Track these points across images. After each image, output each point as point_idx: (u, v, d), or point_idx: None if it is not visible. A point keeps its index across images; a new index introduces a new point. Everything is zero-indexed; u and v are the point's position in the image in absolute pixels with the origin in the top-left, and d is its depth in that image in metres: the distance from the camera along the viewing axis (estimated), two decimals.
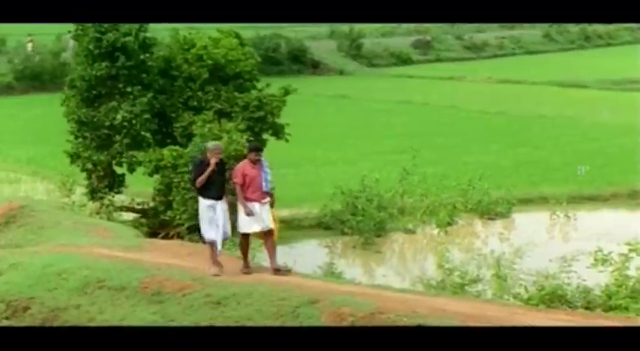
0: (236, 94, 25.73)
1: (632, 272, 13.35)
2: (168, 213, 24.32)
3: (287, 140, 27.20)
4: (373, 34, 77.56)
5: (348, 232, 28.18)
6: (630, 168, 36.45)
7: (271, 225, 14.47)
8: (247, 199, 14.14)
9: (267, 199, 14.39)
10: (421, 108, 53.73)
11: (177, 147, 24.36)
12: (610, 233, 28.59)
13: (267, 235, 14.63)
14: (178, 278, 13.37)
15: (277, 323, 12.26)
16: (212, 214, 14.27)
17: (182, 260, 14.77)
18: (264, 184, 14.25)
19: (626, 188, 33.28)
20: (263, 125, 26.11)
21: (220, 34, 26.48)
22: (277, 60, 67.88)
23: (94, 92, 25.06)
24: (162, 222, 24.80)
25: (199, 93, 25.43)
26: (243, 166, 14.27)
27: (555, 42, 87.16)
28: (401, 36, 79.46)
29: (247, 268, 14.62)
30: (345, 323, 11.97)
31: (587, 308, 12.42)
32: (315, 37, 75.14)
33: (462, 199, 30.50)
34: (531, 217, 31.05)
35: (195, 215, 23.32)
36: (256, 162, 14.26)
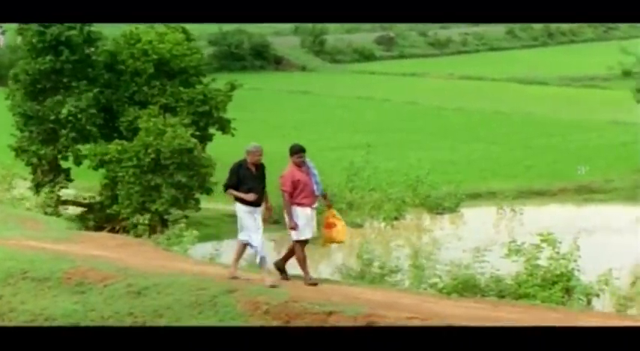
0: (181, 88, 25.95)
1: (543, 262, 13.73)
2: (114, 207, 24.45)
3: (233, 134, 27.40)
4: (337, 31, 77.80)
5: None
6: (581, 163, 37.00)
7: (316, 232, 13.32)
8: (300, 205, 13.00)
9: (316, 204, 13.20)
10: (381, 104, 54.13)
11: (122, 141, 24.52)
12: (555, 227, 29.16)
13: (302, 243, 13.38)
14: (102, 269, 13.56)
15: (195, 312, 12.49)
16: (252, 220, 13.14)
17: (109, 252, 14.93)
18: (315, 187, 13.17)
19: (574, 183, 33.79)
20: (208, 120, 26.31)
21: (166, 29, 26.69)
22: (240, 56, 68.15)
23: (39, 86, 25.14)
24: (109, 216, 24.95)
25: (145, 87, 25.61)
26: (292, 172, 13.04)
27: (519, 39, 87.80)
28: (365, 32, 79.74)
29: (311, 280, 13.25)
30: (259, 312, 12.23)
31: (499, 296, 12.76)
32: (279, 32, 75.37)
33: (410, 193, 30.85)
34: (479, 212, 31.49)
35: (139, 209, 23.67)
36: (302, 164, 13.11)
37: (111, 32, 28.10)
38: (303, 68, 70.60)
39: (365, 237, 29.23)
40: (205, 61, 27.71)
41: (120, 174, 24.13)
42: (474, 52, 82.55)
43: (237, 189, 13.06)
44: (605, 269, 16.91)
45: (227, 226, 28.87)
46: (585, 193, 32.98)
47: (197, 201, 25.89)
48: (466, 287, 13.03)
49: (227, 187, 13.24)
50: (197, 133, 25.32)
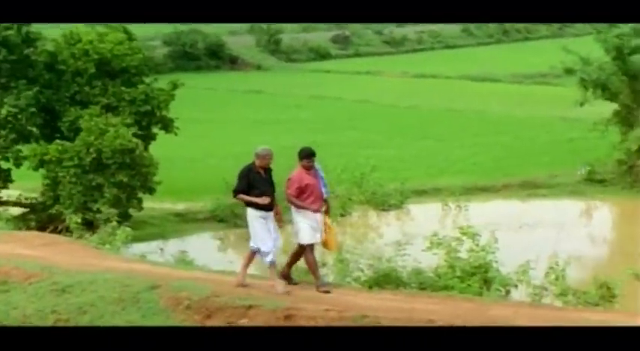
0: (123, 88, 25.99)
1: (463, 255, 14.02)
2: (56, 207, 24.47)
3: (176, 133, 27.50)
4: (293, 30, 77.95)
5: (241, 225, 28.60)
6: (527, 160, 37.53)
7: (323, 237, 12.93)
8: (310, 209, 12.68)
9: (324, 207, 12.94)
10: (334, 102, 54.38)
11: (62, 141, 24.53)
12: (499, 222, 29.57)
13: (310, 247, 13.01)
14: (26, 268, 13.63)
15: (118, 309, 12.61)
16: (264, 225, 12.69)
17: (35, 251, 14.99)
18: (323, 189, 12.89)
19: (518, 179, 34.22)
20: (151, 119, 26.38)
21: (108, 28, 26.72)
22: (195, 55, 68.15)
23: None
24: (51, 216, 24.95)
25: (86, 87, 25.63)
26: (300, 175, 12.75)
27: (474, 36, 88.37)
28: (321, 31, 79.97)
29: (324, 285, 12.90)
30: (181, 307, 12.38)
31: (420, 288, 13.02)
32: (235, 32, 75.32)
33: (356, 190, 31.11)
34: (425, 208, 31.82)
35: (80, 208, 23.70)
36: (310, 168, 12.83)
37: (50, 33, 28.08)
38: (259, 67, 70.72)
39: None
40: (146, 61, 27.65)
41: (61, 174, 24.14)
42: (430, 50, 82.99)
43: (247, 194, 12.65)
44: (547, 261, 17.39)
45: (172, 225, 29.08)
46: (529, 188, 33.43)
47: (140, 200, 25.96)
48: (387, 280, 13.27)
49: (237, 192, 12.76)
50: (140, 132, 25.37)
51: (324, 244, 13.08)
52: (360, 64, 72.30)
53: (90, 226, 20.56)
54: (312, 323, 11.65)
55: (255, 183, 12.65)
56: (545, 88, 57.88)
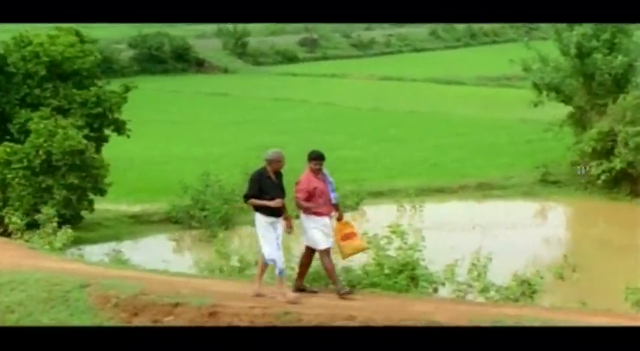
0: (75, 90, 26.03)
1: (392, 253, 14.23)
2: (5, 209, 24.46)
3: (128, 136, 27.57)
4: (260, 33, 78.10)
5: (196, 226, 28.76)
6: (485, 161, 37.84)
7: (333, 242, 12.75)
8: (317, 214, 12.53)
9: (334, 212, 12.82)
10: (299, 105, 54.57)
11: (11, 143, 24.55)
12: (454, 222, 29.92)
13: (325, 252, 12.76)
14: None
15: (47, 307, 12.74)
16: (273, 232, 12.52)
17: None
18: (332, 195, 12.74)
19: (474, 180, 34.51)
20: (103, 121, 26.44)
21: (59, 31, 26.77)
22: (161, 58, 68.23)
23: None
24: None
25: (37, 90, 25.67)
26: (308, 179, 12.61)
27: (442, 40, 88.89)
28: (288, 34, 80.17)
29: (344, 290, 12.59)
30: (109, 305, 12.54)
31: (350, 286, 13.20)
32: (202, 35, 75.46)
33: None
34: (381, 209, 32.00)
35: (31, 211, 23.72)
36: (318, 171, 12.67)
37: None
38: (225, 71, 70.83)
39: None
40: (98, 63, 27.64)
41: (10, 176, 24.16)
42: (398, 53, 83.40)
43: (258, 199, 12.48)
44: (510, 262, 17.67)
45: (126, 227, 29.14)
46: (485, 189, 33.71)
47: (91, 202, 26.03)
48: (317, 277, 13.45)
49: (248, 196, 12.58)
50: (91, 134, 25.43)
51: (356, 246, 12.93)
52: (327, 67, 72.61)
53: (38, 227, 20.59)
54: (235, 320, 11.84)
55: (266, 188, 12.47)
56: (508, 91, 58.24)
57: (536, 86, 35.30)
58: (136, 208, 30.78)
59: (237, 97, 57.72)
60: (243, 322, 11.72)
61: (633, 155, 30.96)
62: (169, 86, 62.34)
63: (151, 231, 29.14)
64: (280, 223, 12.63)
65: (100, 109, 26.27)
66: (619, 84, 34.74)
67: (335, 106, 53.78)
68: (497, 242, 27.01)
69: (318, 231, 12.59)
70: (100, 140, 26.83)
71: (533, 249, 27.23)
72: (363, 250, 13.39)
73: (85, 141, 24.57)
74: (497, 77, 64.64)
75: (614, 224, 31.37)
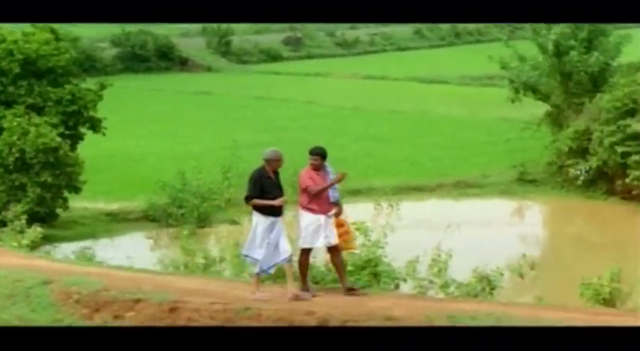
0: (49, 88, 26.05)
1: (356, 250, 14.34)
2: None
3: (104, 134, 27.60)
4: (244, 32, 78.00)
5: (173, 224, 28.81)
6: (463, 160, 37.99)
7: (336, 240, 12.53)
8: (311, 211, 12.45)
9: (333, 211, 12.62)
10: (281, 104, 54.60)
11: None
12: (430, 221, 30.03)
13: (332, 251, 12.64)
14: None
15: (9, 304, 12.82)
16: (268, 234, 12.40)
17: None
18: (331, 193, 12.56)
19: (452, 179, 34.66)
20: (78, 119, 26.46)
21: (34, 28, 26.78)
22: (145, 57, 68.19)
23: None
24: None
25: (11, 87, 25.68)
26: (308, 173, 12.55)
27: (426, 39, 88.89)
28: (272, 33, 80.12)
29: (307, 291, 12.44)
30: (70, 301, 12.62)
31: (313, 282, 13.34)
32: (186, 34, 75.37)
33: (290, 190, 31.30)
34: (358, 208, 32.08)
35: (4, 209, 23.75)
36: (319, 168, 12.57)
37: None
38: (209, 69, 70.80)
39: (243, 234, 29.85)
40: (73, 61, 27.67)
41: None
42: (382, 52, 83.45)
43: (259, 199, 12.39)
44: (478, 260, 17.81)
45: (103, 225, 29.18)
46: (462, 188, 33.86)
47: (65, 200, 26.06)
48: (280, 274, 13.56)
49: (250, 197, 12.43)
50: (66, 132, 25.46)
51: (347, 246, 12.85)
52: (311, 65, 72.60)
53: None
54: (196, 315, 11.93)
55: (267, 188, 12.47)
56: (490, 90, 58.30)
57: (513, 84, 35.50)
58: (114, 207, 30.82)
59: (219, 96, 57.73)
60: (204, 318, 11.83)
61: (608, 154, 31.14)
62: (152, 85, 62.32)
63: (128, 229, 29.20)
64: (280, 222, 12.60)
65: (75, 107, 26.29)
66: (596, 83, 34.97)
67: (317, 105, 53.85)
68: (471, 240, 27.28)
69: (313, 228, 12.48)
70: (76, 138, 26.87)
71: (510, 247, 27.34)
72: (351, 250, 13.43)
73: (59, 139, 24.62)
74: (480, 76, 64.71)
75: (590, 222, 31.60)
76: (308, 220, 12.52)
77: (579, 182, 32.03)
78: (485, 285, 13.50)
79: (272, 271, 12.77)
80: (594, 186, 32.55)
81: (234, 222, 29.44)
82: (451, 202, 33.18)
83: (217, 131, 44.98)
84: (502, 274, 14.02)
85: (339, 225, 12.89)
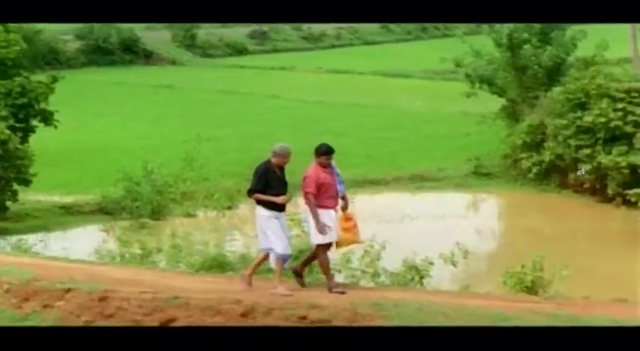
0: None
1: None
2: None
3: (56, 126, 27.56)
4: (210, 25, 77.80)
5: (127, 217, 28.83)
6: (421, 153, 38.22)
7: (340, 235, 12.65)
8: (323, 207, 12.45)
9: (340, 204, 12.80)
10: (243, 97, 54.67)
11: None
12: (385, 214, 30.22)
13: (324, 248, 12.71)
14: None
15: None
16: (277, 226, 12.32)
17: None
18: (340, 187, 12.75)
19: (408, 172, 34.86)
20: (29, 111, 26.41)
21: None
22: (109, 50, 68.01)
23: None
24: None
25: None
26: (316, 172, 12.61)
27: (393, 33, 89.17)
28: (238, 26, 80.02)
29: (338, 287, 12.46)
30: (0, 291, 12.66)
31: (230, 271, 13.47)
32: (151, 27, 75.11)
33: (246, 184, 31.44)
34: None
35: None
36: (327, 165, 12.78)
37: None
38: (174, 62, 70.73)
39: (199, 226, 29.93)
40: (24, 53, 27.56)
41: None
42: (348, 46, 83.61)
43: (263, 193, 12.35)
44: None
45: (56, 217, 29.16)
46: (418, 181, 34.07)
47: (14, 192, 26.03)
48: (215, 264, 13.69)
49: (254, 191, 12.41)
50: (17, 124, 25.41)
51: (351, 239, 12.85)
52: (276, 59, 72.64)
53: None
54: (125, 304, 12.01)
55: (271, 182, 12.36)
56: (452, 84, 58.52)
57: (469, 78, 35.79)
58: (69, 199, 30.80)
59: (182, 89, 57.67)
60: (132, 307, 11.91)
61: (562, 148, 31.46)
62: (115, 78, 62.15)
63: (82, 222, 29.18)
64: (283, 217, 12.53)
65: (25, 100, 26.26)
66: (552, 77, 35.28)
67: (280, 99, 53.93)
68: (425, 233, 27.51)
69: (319, 225, 12.44)
70: (26, 131, 26.82)
71: (464, 239, 27.57)
72: (358, 243, 13.50)
73: (7, 131, 24.57)
74: (444, 70, 64.72)
75: (544, 215, 31.90)
76: (325, 216, 12.52)
77: (532, 175, 32.33)
78: (415, 274, 13.72)
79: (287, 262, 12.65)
80: (548, 179, 32.86)
81: (189, 215, 29.51)
82: (407, 196, 33.39)
83: (178, 125, 44.98)
84: (432, 263, 14.25)
85: (347, 218, 12.97)
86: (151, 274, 13.47)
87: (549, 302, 11.61)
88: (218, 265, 13.65)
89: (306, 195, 12.46)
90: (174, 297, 12.02)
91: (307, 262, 13.04)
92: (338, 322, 10.83)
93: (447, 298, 11.69)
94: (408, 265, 14.02)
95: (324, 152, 12.77)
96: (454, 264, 15.24)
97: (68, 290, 12.41)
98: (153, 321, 11.42)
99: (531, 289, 12.89)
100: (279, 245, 12.28)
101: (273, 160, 12.50)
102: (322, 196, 12.47)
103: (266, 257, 12.67)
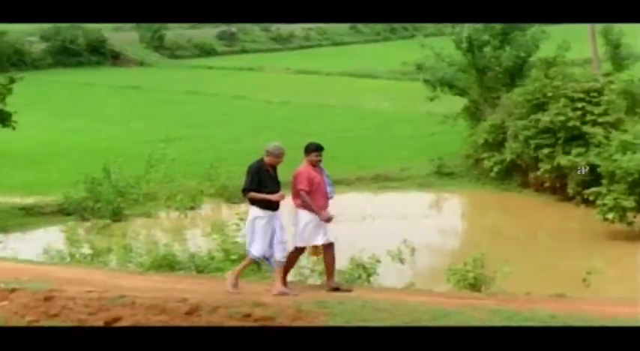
0: None
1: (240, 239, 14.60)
2: None
3: (14, 128, 27.49)
4: (179, 26, 77.73)
5: (88, 218, 28.76)
6: (385, 153, 38.37)
7: (334, 237, 12.62)
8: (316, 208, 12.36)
9: (329, 206, 12.69)
10: (209, 98, 54.69)
11: None
12: (346, 214, 30.30)
13: (327, 248, 12.57)
14: None
15: None
16: (268, 229, 12.19)
17: None
18: (329, 189, 12.72)
19: (371, 172, 35.00)
20: None
21: None
22: (75, 51, 67.83)
23: None
24: None
25: None
26: (307, 170, 12.47)
27: (361, 33, 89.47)
28: (206, 28, 79.97)
29: (289, 290, 12.26)
30: None
31: (198, 271, 13.53)
32: (119, 28, 74.92)
33: (208, 184, 31.56)
34: None
35: None
36: (317, 163, 12.62)
37: None
38: (141, 64, 70.60)
39: (161, 226, 29.95)
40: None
41: None
42: (317, 47, 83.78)
43: (257, 192, 12.24)
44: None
45: (16, 219, 29.05)
46: (381, 181, 34.21)
47: None
48: (164, 263, 13.75)
49: (248, 190, 12.32)
50: None
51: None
52: (245, 60, 72.65)
53: None
54: (70, 303, 12.04)
55: (264, 181, 12.27)
56: (419, 84, 58.67)
57: (429, 82, 36.06)
58: (30, 200, 30.69)
59: (148, 90, 57.60)
60: (78, 306, 11.94)
61: (522, 148, 31.70)
62: (82, 79, 61.97)
63: (43, 223, 29.07)
64: (277, 217, 12.40)
65: None
66: (513, 78, 35.54)
67: (246, 100, 53.97)
68: (386, 232, 27.62)
69: (313, 225, 12.41)
70: None
71: (426, 238, 27.77)
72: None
73: None
74: (411, 71, 64.66)
75: (505, 214, 32.14)
76: (307, 217, 12.44)
77: (493, 174, 32.56)
78: (362, 272, 13.83)
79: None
80: (509, 178, 33.11)
81: (151, 215, 29.52)
82: (369, 196, 33.52)
83: (143, 125, 44.93)
84: (379, 261, 14.36)
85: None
86: (100, 273, 13.52)
87: (491, 298, 11.78)
88: (167, 265, 13.71)
89: (299, 192, 12.35)
90: (120, 296, 12.07)
91: (330, 272, 12.67)
92: (282, 320, 10.93)
93: (390, 295, 11.81)
94: (355, 263, 14.14)
95: (314, 149, 12.63)
96: (401, 261, 15.36)
97: (13, 290, 12.42)
98: (98, 320, 11.46)
99: (474, 286, 13.05)
100: (254, 247, 12.22)
101: (267, 160, 12.41)
102: (314, 194, 12.42)
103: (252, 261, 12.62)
